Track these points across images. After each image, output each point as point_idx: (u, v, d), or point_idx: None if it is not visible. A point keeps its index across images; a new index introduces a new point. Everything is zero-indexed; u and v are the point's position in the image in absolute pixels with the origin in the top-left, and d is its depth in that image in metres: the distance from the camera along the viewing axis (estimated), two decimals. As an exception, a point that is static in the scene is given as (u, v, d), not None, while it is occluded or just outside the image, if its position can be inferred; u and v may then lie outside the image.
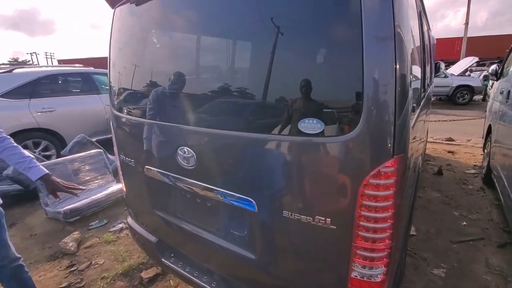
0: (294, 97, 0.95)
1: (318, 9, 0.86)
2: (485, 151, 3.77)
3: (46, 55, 41.95)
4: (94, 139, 4.60)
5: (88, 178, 3.59)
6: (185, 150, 1.25)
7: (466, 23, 16.98)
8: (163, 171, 1.41)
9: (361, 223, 0.90)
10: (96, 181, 3.64)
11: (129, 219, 1.95)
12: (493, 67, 3.48)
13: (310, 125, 0.89)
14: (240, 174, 1.12)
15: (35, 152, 4.35)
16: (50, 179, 1.40)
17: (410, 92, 0.90)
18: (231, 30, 1.11)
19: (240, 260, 1.23)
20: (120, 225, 3.02)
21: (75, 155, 3.67)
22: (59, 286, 2.17)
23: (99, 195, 3.32)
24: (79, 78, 5.59)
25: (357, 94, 0.82)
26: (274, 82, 0.99)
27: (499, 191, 2.72)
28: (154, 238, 1.69)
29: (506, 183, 2.34)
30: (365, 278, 0.96)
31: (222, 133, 1.14)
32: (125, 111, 1.60)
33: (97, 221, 3.14)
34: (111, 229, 2.96)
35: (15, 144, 1.40)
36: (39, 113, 4.53)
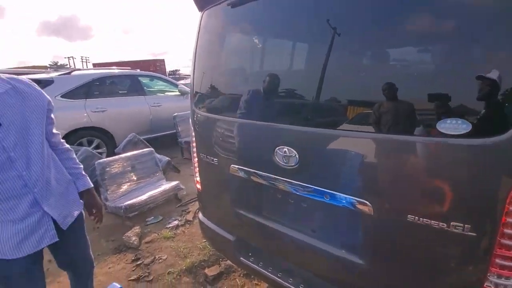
0: (431, 93, 0.90)
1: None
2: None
3: (82, 59, 44.90)
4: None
5: (142, 175, 3.74)
6: (286, 149, 1.24)
7: None
8: (254, 170, 1.42)
9: (505, 230, 0.84)
10: (148, 178, 3.78)
11: (201, 216, 1.98)
12: None
13: (453, 126, 0.84)
14: (353, 176, 1.09)
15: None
16: (84, 196, 1.42)
17: None
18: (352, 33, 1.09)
19: (341, 264, 1.20)
20: (175, 222, 3.12)
21: (130, 153, 3.84)
22: (129, 279, 2.27)
23: (153, 192, 3.44)
24: (128, 80, 5.88)
25: (507, 89, 0.76)
26: (406, 76, 0.96)
27: None
28: (232, 237, 1.70)
29: None
30: (501, 290, 0.89)
31: (334, 133, 1.12)
32: (212, 110, 1.63)
33: (153, 217, 3.26)
34: (168, 226, 3.06)
35: (71, 149, 1.43)
36: (93, 113, 4.81)
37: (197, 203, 3.60)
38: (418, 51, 1.00)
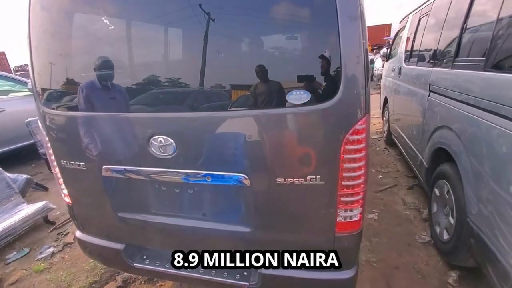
0: (280, 73, 1.03)
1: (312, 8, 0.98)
2: (384, 118, 4.68)
3: None
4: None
5: (-13, 204, 2.85)
6: (161, 139, 1.18)
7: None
8: (130, 167, 1.30)
9: (344, 174, 1.08)
10: (1, 206, 2.92)
11: (79, 234, 1.69)
12: (384, 50, 4.31)
13: (297, 96, 1.00)
14: (229, 154, 1.14)
15: None
16: None
17: (369, 64, 1.10)
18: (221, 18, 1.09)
19: (233, 237, 1.27)
20: (50, 250, 2.56)
21: (-39, 178, 2.85)
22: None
23: (10, 221, 2.70)
24: None
25: (337, 65, 0.96)
26: (259, 58, 1.05)
27: (400, 147, 3.46)
28: (120, 245, 1.53)
29: (406, 139, 3.01)
30: (347, 220, 1.15)
31: (206, 115, 1.13)
32: (69, 108, 1.37)
33: (15, 253, 2.57)
34: (39, 257, 2.48)
35: None
36: None
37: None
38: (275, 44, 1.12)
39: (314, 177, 1.07)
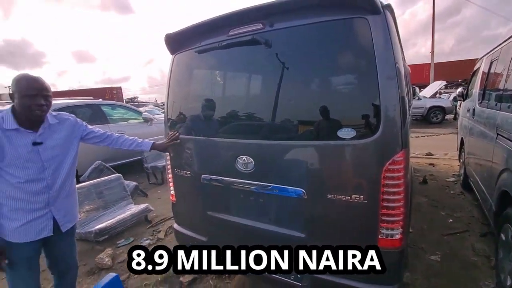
0: (333, 114, 1.42)
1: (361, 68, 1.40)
2: (461, 161, 4.37)
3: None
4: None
5: (110, 200, 3.83)
6: (245, 158, 1.67)
7: (432, 52, 18.96)
8: (221, 177, 1.81)
9: (384, 197, 1.34)
10: (117, 203, 3.88)
11: (176, 226, 2.28)
12: (460, 89, 4.20)
13: (345, 132, 1.36)
14: (293, 172, 1.55)
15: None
16: (157, 145, 1.97)
17: (407, 109, 1.39)
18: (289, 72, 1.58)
19: (289, 240, 1.61)
20: (147, 242, 3.28)
21: (98, 179, 3.93)
22: (107, 294, 2.39)
23: (124, 215, 3.57)
24: (89, 110, 5.94)
25: (377, 111, 1.30)
26: (318, 103, 1.47)
27: (476, 192, 3.24)
28: (204, 238, 2.03)
29: (481, 184, 2.87)
30: (388, 237, 1.38)
31: (278, 143, 1.58)
32: (184, 132, 2.01)
33: (124, 240, 3.37)
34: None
35: (119, 134, 1.91)
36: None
37: (167, 223, 3.79)
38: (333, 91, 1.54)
39: (358, 196, 1.37)
